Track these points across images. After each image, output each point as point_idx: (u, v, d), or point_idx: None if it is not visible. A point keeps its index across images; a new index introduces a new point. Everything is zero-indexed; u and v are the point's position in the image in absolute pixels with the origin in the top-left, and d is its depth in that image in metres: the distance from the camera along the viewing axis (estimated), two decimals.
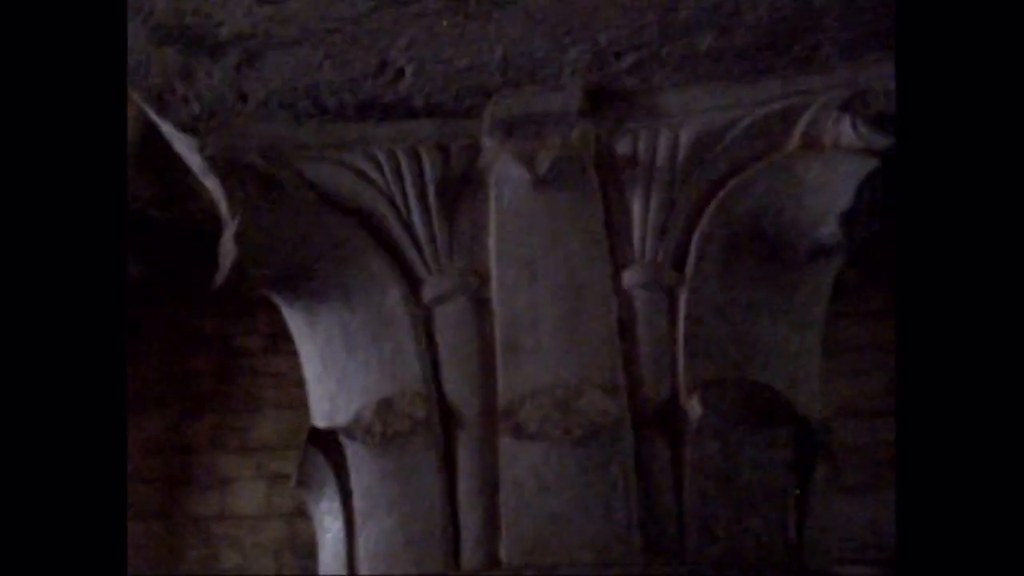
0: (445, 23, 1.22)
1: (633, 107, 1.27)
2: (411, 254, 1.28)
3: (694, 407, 1.18)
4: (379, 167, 1.28)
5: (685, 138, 1.25)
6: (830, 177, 1.22)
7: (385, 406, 1.23)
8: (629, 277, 1.23)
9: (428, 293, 1.26)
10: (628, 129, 1.26)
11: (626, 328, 1.22)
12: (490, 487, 1.18)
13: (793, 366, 1.29)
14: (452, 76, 1.25)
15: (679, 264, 1.24)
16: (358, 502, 1.25)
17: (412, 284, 1.27)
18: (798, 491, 1.23)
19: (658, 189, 1.25)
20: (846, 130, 1.22)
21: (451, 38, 1.23)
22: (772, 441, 1.21)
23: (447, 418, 1.22)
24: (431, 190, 1.27)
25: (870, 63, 1.22)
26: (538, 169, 1.22)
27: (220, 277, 1.27)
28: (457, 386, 1.24)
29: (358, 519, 1.24)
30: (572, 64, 1.24)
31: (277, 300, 1.35)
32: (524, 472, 1.17)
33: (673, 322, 1.23)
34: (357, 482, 1.25)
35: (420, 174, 1.27)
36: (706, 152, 1.25)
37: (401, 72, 1.25)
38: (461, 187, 1.28)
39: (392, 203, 1.28)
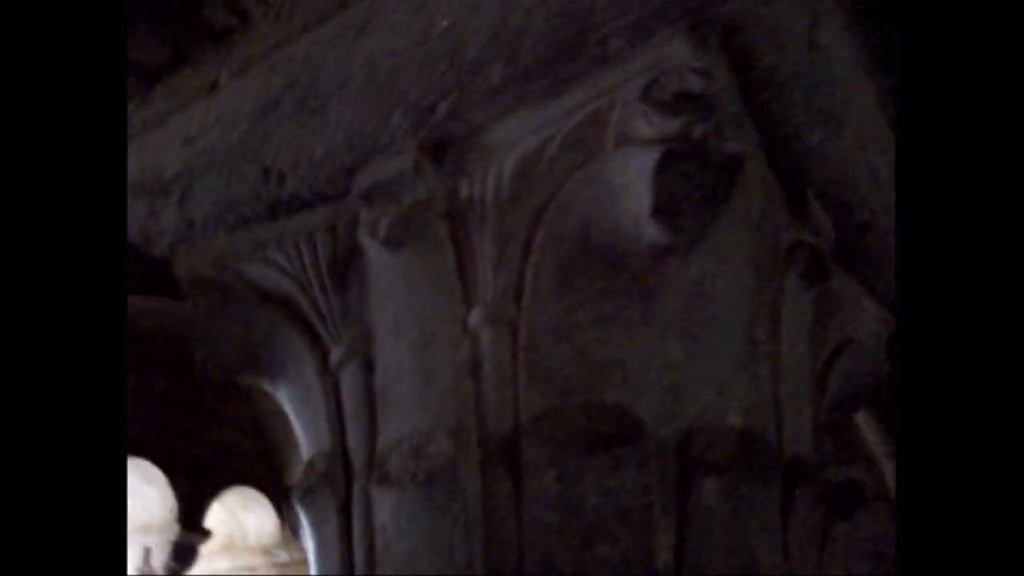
0: (294, 124, 1.39)
1: (467, 150, 1.30)
2: (319, 328, 1.43)
3: (529, 439, 1.16)
4: (289, 257, 1.46)
5: (508, 168, 1.25)
6: (630, 176, 1.13)
7: (308, 464, 1.39)
8: (474, 317, 1.25)
9: (332, 360, 1.40)
10: (466, 172, 1.30)
11: (476, 368, 1.24)
12: (369, 534, 1.27)
13: (673, 376, 1.19)
14: (318, 165, 1.40)
15: (519, 295, 1.23)
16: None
17: (323, 355, 1.42)
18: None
19: (492, 224, 1.26)
20: (640, 121, 1.13)
21: (303, 134, 1.39)
22: (617, 463, 1.14)
23: (348, 472, 1.34)
24: (324, 269, 1.41)
25: (663, 41, 1.13)
26: (379, 233, 1.31)
27: (196, 373, 1.53)
28: (355, 443, 1.35)
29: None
30: (399, 128, 1.32)
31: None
32: (387, 518, 1.24)
33: (515, 355, 1.22)
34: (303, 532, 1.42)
35: (316, 256, 1.42)
36: (528, 177, 1.24)
37: (281, 174, 1.43)
38: (348, 261, 1.41)
39: (302, 287, 1.45)
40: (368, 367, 1.36)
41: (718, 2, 1.10)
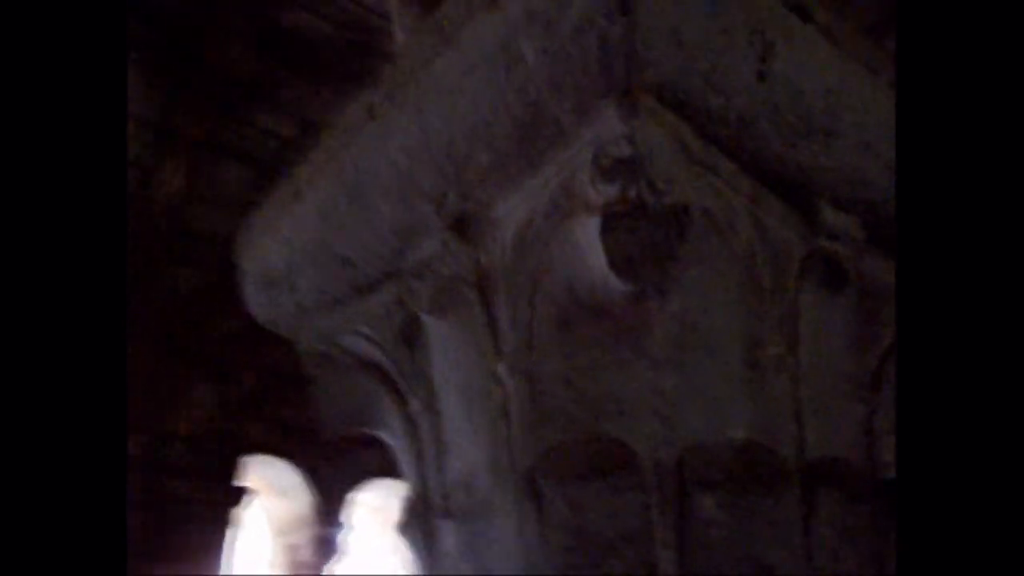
0: (352, 219, 1.66)
1: (482, 226, 1.50)
2: (401, 385, 1.69)
3: (542, 472, 1.34)
4: (373, 329, 1.73)
5: (508, 239, 1.44)
6: (589, 238, 1.29)
7: (404, 500, 1.65)
8: (501, 368, 1.45)
9: (411, 412, 1.66)
10: (484, 245, 1.50)
11: (505, 412, 1.44)
12: (441, 560, 1.51)
13: (666, 404, 1.32)
14: (376, 251, 1.66)
15: (530, 347, 1.41)
16: None
17: (405, 407, 1.68)
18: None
19: (503, 288, 1.45)
20: (589, 189, 1.28)
21: (360, 227, 1.66)
22: (616, 488, 1.29)
23: (428, 508, 1.58)
24: (398, 336, 1.67)
25: (601, 114, 1.28)
26: (423, 305, 1.55)
27: (318, 430, 1.85)
28: (431, 482, 1.59)
29: None
30: (426, 214, 1.55)
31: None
32: (450, 545, 1.47)
33: (532, 399, 1.40)
34: None
35: (390, 326, 1.69)
36: (523, 245, 1.42)
37: (353, 262, 1.71)
38: (414, 328, 1.66)
39: (384, 352, 1.72)
40: (435, 416, 1.60)
41: (639, 71, 1.23)
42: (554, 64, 1.28)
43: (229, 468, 5.93)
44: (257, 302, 1.91)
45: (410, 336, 1.66)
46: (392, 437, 1.76)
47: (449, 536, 1.49)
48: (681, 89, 1.28)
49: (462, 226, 1.52)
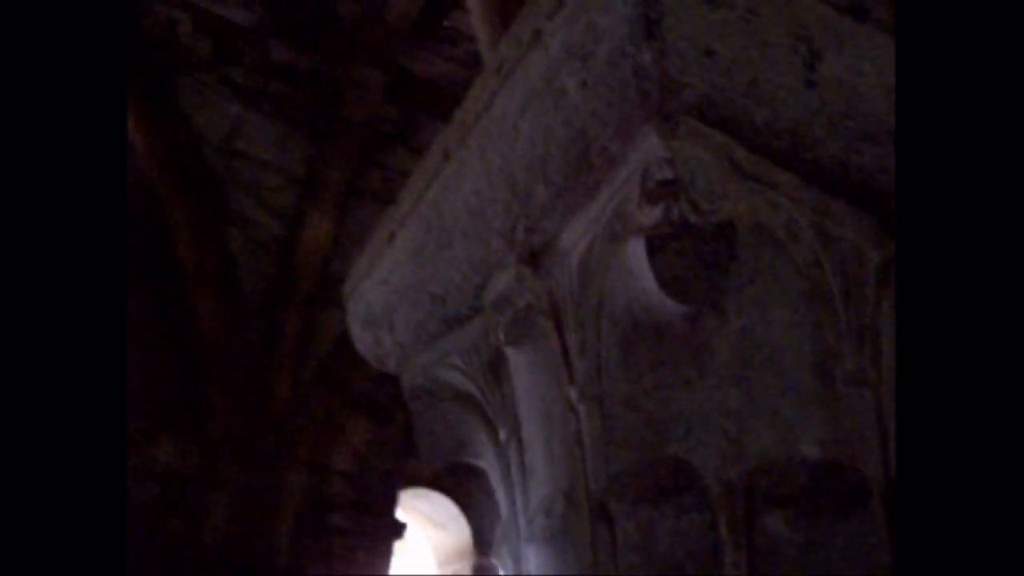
0: (438, 258, 1.74)
1: (551, 256, 1.55)
2: (491, 415, 1.75)
3: (612, 495, 1.35)
4: (465, 362, 1.80)
5: (574, 267, 1.48)
6: (640, 262, 1.30)
7: (497, 528, 1.70)
8: (574, 395, 1.48)
9: (501, 441, 1.71)
10: (553, 275, 1.54)
11: (579, 438, 1.46)
12: None
13: (733, 422, 1.31)
14: (460, 287, 1.74)
15: (599, 373, 1.44)
16: None
17: (496, 437, 1.73)
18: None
19: (572, 316, 1.48)
20: (638, 213, 1.30)
21: (445, 265, 1.74)
22: (682, 509, 1.28)
23: (515, 534, 1.62)
24: (485, 368, 1.73)
25: (643, 138, 1.30)
26: (501, 337, 1.60)
27: (423, 467, 1.93)
28: (519, 508, 1.63)
29: None
30: (499, 249, 1.61)
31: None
32: (533, 568, 1.51)
33: (603, 424, 1.42)
34: None
35: (479, 358, 1.75)
36: (586, 272, 1.45)
37: (443, 298, 1.79)
38: (499, 360, 1.71)
39: (476, 384, 1.78)
40: (520, 444, 1.65)
41: (676, 93, 1.25)
42: (595, 95, 1.31)
43: (388, 502, 6.17)
44: (363, 341, 2.03)
45: (496, 367, 1.72)
46: (489, 466, 1.81)
47: (532, 560, 1.52)
48: (722, 106, 1.28)
49: (533, 258, 1.57)
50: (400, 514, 6.40)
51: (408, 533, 6.50)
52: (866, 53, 1.35)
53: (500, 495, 1.74)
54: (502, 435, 1.71)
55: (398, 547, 6.31)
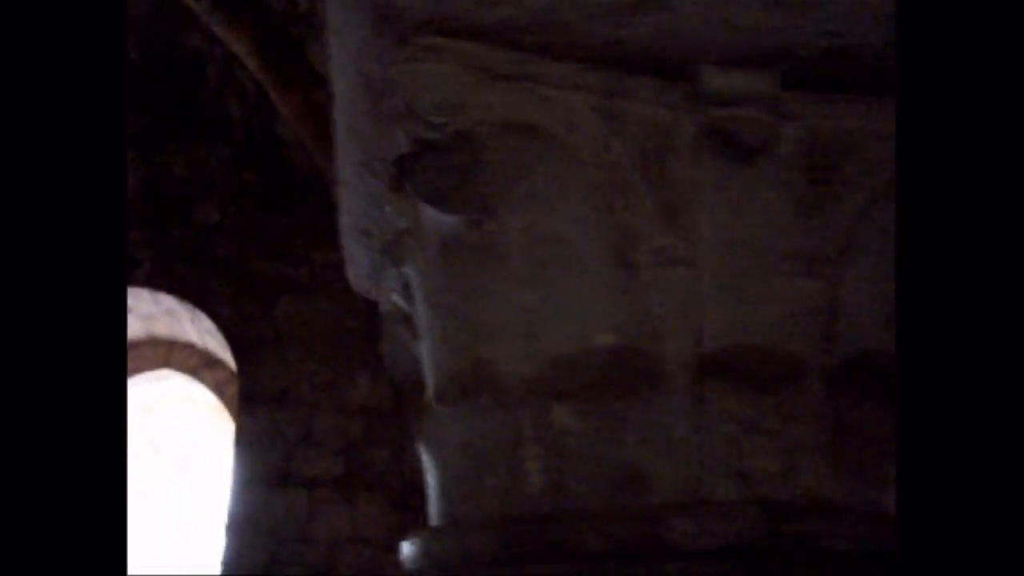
0: (355, 198, 1.87)
1: None
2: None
3: (437, 399, 1.44)
4: (398, 285, 1.92)
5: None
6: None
7: None
8: (398, 301, 1.56)
9: None
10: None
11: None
12: None
13: (529, 320, 1.34)
14: (378, 225, 1.85)
15: (432, 286, 1.51)
16: None
17: None
18: None
19: (415, 237, 1.56)
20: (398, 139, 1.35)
21: (363, 204, 1.86)
22: (486, 407, 1.35)
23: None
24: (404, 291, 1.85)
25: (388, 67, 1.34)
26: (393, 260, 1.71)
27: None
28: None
29: None
30: (382, 188, 1.71)
31: None
32: None
33: (439, 332, 1.49)
34: None
35: (399, 283, 1.87)
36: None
37: (369, 233, 1.91)
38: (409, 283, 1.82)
39: (408, 305, 1.90)
40: None
41: (399, 16, 1.28)
42: (354, 33, 1.37)
43: None
44: (350, 278, 2.22)
45: (409, 288, 1.83)
46: None
47: None
48: (457, 16, 1.29)
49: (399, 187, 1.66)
50: None
51: None
52: None
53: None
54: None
55: None
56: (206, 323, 5.90)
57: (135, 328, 6.25)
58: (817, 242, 1.39)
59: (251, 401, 5.64)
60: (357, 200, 1.88)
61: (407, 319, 1.92)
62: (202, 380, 6.53)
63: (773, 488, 1.27)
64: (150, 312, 6.09)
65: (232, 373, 5.95)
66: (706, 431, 1.28)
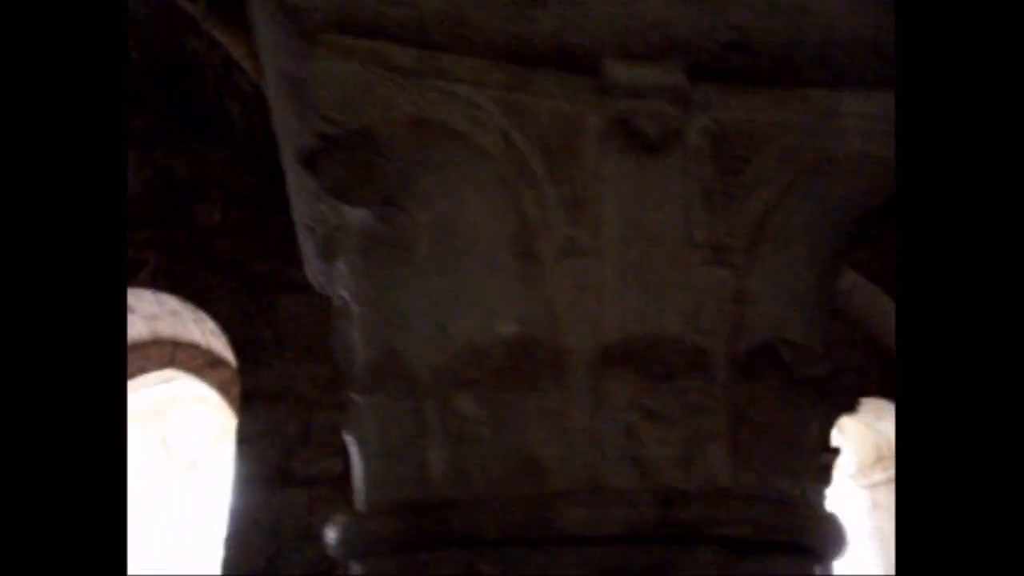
0: (297, 195, 1.90)
1: None
2: None
3: (356, 389, 1.47)
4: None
5: None
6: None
7: None
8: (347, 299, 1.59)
9: None
10: None
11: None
12: None
13: (438, 312, 1.37)
14: (320, 221, 1.88)
15: (356, 279, 1.54)
16: None
17: None
18: None
19: (342, 231, 1.59)
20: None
21: (304, 201, 1.89)
22: (394, 399, 1.37)
23: None
24: None
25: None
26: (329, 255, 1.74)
27: None
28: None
29: None
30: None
31: None
32: None
33: (360, 323, 1.52)
34: None
35: None
36: None
37: (313, 230, 1.95)
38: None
39: None
40: None
41: (307, 15, 1.30)
42: (272, 33, 1.39)
43: None
44: (307, 273, 2.25)
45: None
46: None
47: None
48: (361, 15, 1.31)
49: None
50: None
51: None
52: None
53: None
54: None
55: None
56: (209, 323, 5.97)
57: (139, 328, 6.34)
58: (726, 233, 1.40)
59: (251, 400, 5.70)
60: (302, 197, 1.91)
61: (349, 313, 1.95)
62: (207, 380, 6.61)
63: (671, 476, 1.28)
64: (154, 312, 6.17)
65: (236, 372, 6.02)
66: (604, 420, 1.29)
